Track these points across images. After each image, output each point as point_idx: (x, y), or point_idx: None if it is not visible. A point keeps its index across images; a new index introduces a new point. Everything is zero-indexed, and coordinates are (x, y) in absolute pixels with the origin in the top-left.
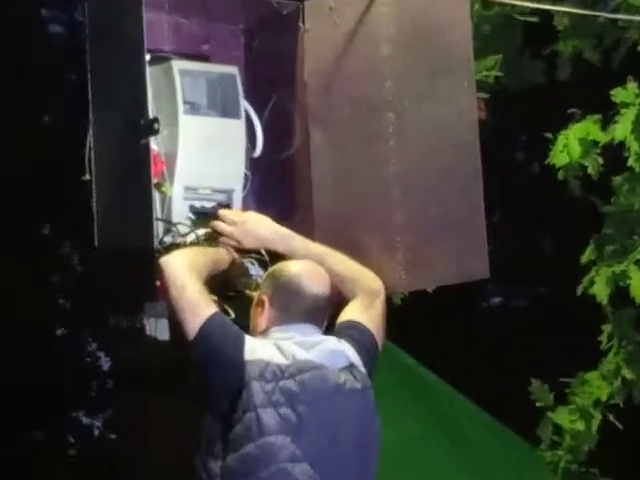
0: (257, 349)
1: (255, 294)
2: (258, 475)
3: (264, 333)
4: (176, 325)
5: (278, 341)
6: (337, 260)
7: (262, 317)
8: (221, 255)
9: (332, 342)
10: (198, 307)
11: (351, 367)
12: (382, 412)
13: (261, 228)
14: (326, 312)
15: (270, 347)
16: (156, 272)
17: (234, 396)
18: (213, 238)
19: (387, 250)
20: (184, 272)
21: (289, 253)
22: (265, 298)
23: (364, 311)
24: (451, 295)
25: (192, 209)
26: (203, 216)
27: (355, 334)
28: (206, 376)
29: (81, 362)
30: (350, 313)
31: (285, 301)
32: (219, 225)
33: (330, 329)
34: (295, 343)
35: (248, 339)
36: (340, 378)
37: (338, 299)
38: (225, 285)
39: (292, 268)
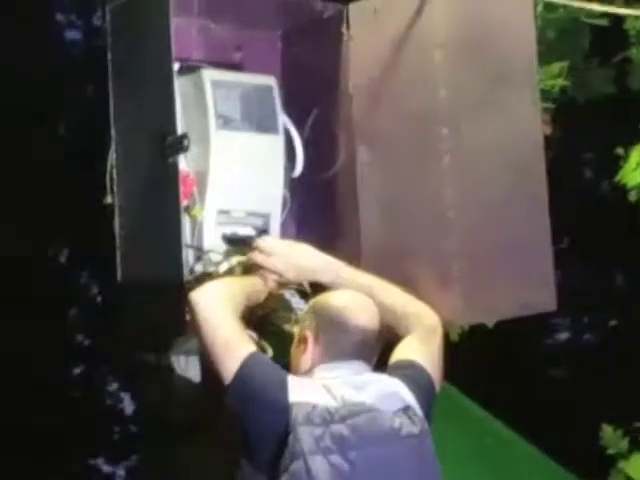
0: (302, 390)
1: (296, 329)
2: None
3: (308, 372)
4: (210, 367)
5: (325, 381)
6: (388, 292)
7: (306, 355)
8: (258, 285)
9: (385, 382)
10: (234, 347)
11: (407, 410)
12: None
13: (305, 259)
14: (376, 348)
15: (317, 387)
16: (186, 306)
17: (279, 443)
18: (250, 268)
19: (442, 280)
20: (218, 309)
21: (336, 285)
22: (309, 334)
23: (420, 349)
24: (513, 330)
25: (225, 236)
26: (238, 243)
27: (410, 374)
28: (246, 422)
29: (102, 404)
30: (404, 351)
31: (331, 337)
32: (257, 256)
33: (382, 368)
34: (344, 383)
35: (291, 379)
36: (395, 422)
37: (389, 334)
38: (262, 320)
39: (338, 300)
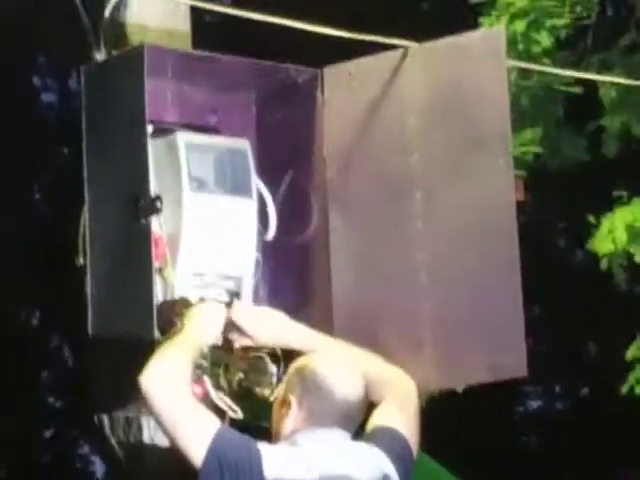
0: (279, 464)
1: (269, 393)
2: None
3: (289, 437)
4: (178, 453)
5: (303, 449)
6: (363, 359)
7: (287, 420)
8: (197, 343)
9: (365, 451)
10: (200, 431)
11: (386, 479)
12: None
13: (276, 323)
14: (359, 418)
15: (295, 459)
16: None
17: None
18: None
19: (414, 345)
20: (174, 394)
21: (307, 350)
22: (292, 399)
23: (396, 415)
24: (483, 397)
25: (202, 299)
26: None
27: (388, 441)
28: None
29: (71, 467)
30: (381, 417)
31: (315, 404)
32: (239, 318)
33: (359, 433)
34: (323, 452)
35: (266, 451)
36: None
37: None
38: (233, 383)
39: (326, 367)
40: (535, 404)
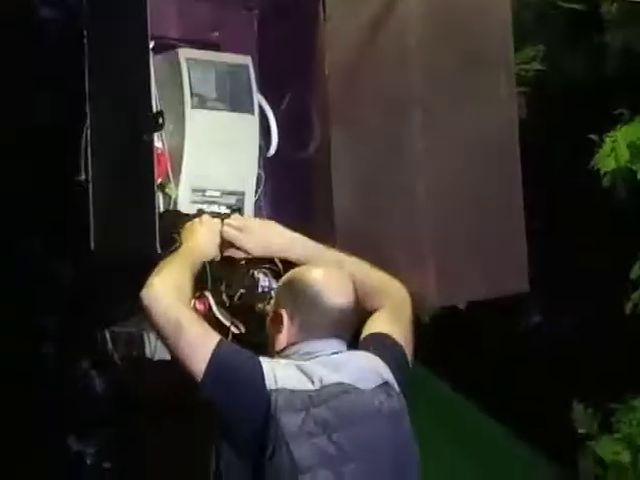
0: (279, 375)
1: (268, 308)
2: None
3: (284, 351)
4: (180, 367)
5: (301, 362)
6: (359, 268)
7: (281, 334)
8: (196, 258)
9: (362, 359)
10: (200, 343)
11: (385, 385)
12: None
13: (271, 234)
14: (352, 324)
15: (293, 371)
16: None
17: (260, 433)
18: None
19: (416, 262)
20: (175, 308)
21: (303, 261)
22: (283, 312)
23: (392, 323)
24: (485, 313)
25: (199, 212)
26: None
27: (385, 348)
28: (224, 413)
29: (71, 383)
30: (377, 325)
31: (306, 315)
32: (228, 233)
33: (354, 343)
34: (321, 363)
35: (266, 364)
36: (375, 399)
37: (359, 311)
38: (234, 298)
39: (314, 277)
40: (536, 320)
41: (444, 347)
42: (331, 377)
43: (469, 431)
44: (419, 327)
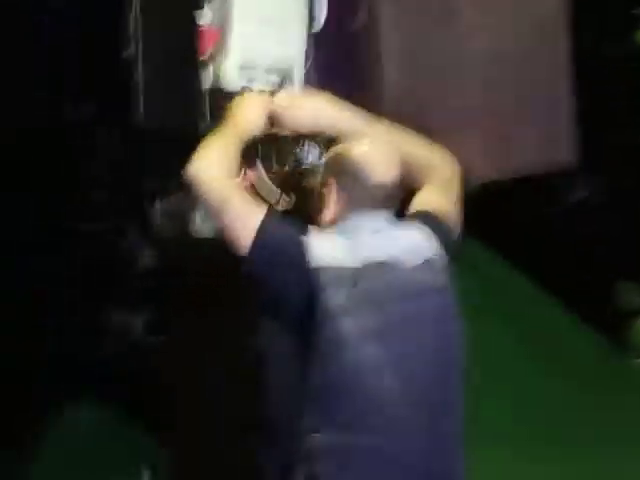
0: (325, 250)
1: (315, 182)
2: (347, 395)
3: (330, 225)
4: (227, 241)
5: (347, 235)
6: (409, 142)
7: (327, 209)
8: (241, 133)
9: (408, 234)
10: (246, 217)
11: (431, 261)
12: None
13: (318, 109)
14: (397, 197)
15: (340, 246)
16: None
17: (306, 308)
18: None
19: (464, 133)
20: (221, 182)
21: (352, 135)
22: (329, 187)
23: (440, 198)
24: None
25: (245, 88)
26: None
27: (432, 223)
28: (271, 286)
29: (117, 258)
30: (424, 200)
31: (352, 189)
32: (274, 109)
33: (401, 217)
34: (367, 239)
35: (312, 239)
36: (420, 275)
37: (408, 183)
38: (284, 174)
39: (357, 151)
40: (581, 197)
41: (490, 221)
42: (377, 253)
43: (515, 303)
44: (469, 198)
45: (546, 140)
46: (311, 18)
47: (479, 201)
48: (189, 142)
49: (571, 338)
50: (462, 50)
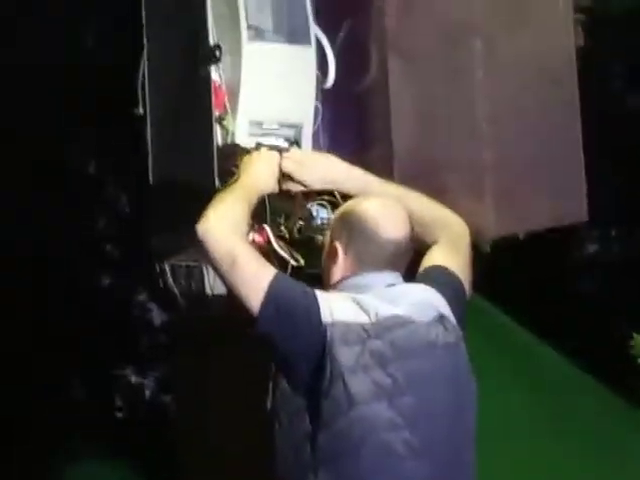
0: (334, 308)
1: (324, 240)
2: (357, 453)
3: (339, 284)
4: (236, 303)
5: (356, 295)
6: (417, 201)
7: (335, 267)
8: (253, 191)
9: (418, 291)
10: (256, 277)
11: (442, 319)
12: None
13: (328, 167)
14: (407, 257)
15: (349, 304)
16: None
17: (316, 365)
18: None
19: (474, 192)
20: (231, 241)
21: (361, 194)
22: (338, 245)
23: (449, 256)
24: (543, 242)
25: (258, 144)
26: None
27: (442, 280)
28: (281, 347)
29: (129, 314)
30: (434, 258)
31: (362, 247)
32: (287, 166)
33: (411, 278)
34: (376, 296)
35: (322, 297)
36: (431, 332)
37: (418, 244)
38: (293, 230)
39: (367, 208)
40: (592, 248)
41: (502, 277)
42: (387, 310)
43: (527, 362)
44: (479, 257)
45: (557, 196)
46: (320, 75)
47: (490, 258)
48: (200, 199)
49: (585, 395)
50: (472, 106)
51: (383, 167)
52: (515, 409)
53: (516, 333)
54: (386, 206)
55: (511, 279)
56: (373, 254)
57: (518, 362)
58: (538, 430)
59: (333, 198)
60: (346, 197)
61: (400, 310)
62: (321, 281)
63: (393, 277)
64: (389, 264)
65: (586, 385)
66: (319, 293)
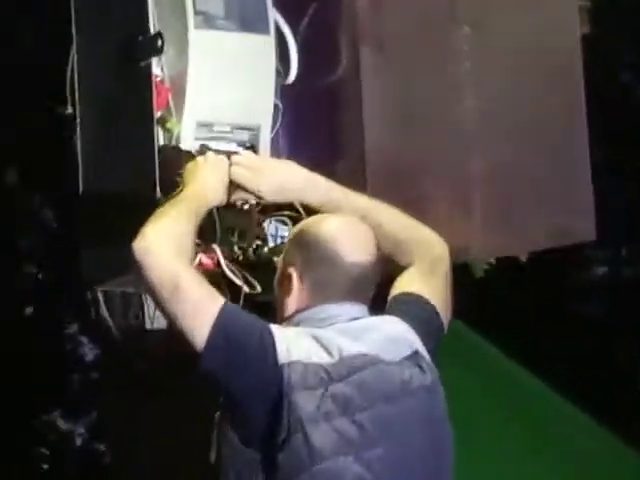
0: (291, 346)
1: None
2: None
3: (293, 318)
4: (177, 334)
5: (315, 330)
6: (390, 216)
7: (290, 298)
8: (199, 204)
9: (388, 325)
10: (201, 307)
11: (416, 356)
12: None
13: (287, 175)
14: (373, 284)
15: (307, 341)
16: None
17: (271, 415)
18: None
19: (460, 206)
20: (173, 263)
21: (326, 208)
22: (292, 272)
23: (424, 281)
24: (544, 264)
25: (204, 147)
26: None
27: (414, 310)
28: (231, 391)
29: (57, 350)
30: (406, 283)
31: (320, 275)
32: (236, 173)
33: (380, 304)
34: (338, 332)
35: (278, 333)
36: (404, 373)
37: (388, 265)
38: (248, 252)
39: (327, 228)
40: (600, 270)
41: (498, 304)
42: (351, 347)
43: (506, 388)
44: (469, 283)
45: (561, 211)
46: (281, 69)
47: (481, 281)
48: (138, 213)
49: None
50: (458, 107)
51: (353, 176)
52: (509, 445)
53: (499, 360)
54: (348, 225)
55: (505, 304)
56: (334, 281)
57: (495, 389)
58: (535, 469)
59: (296, 213)
60: (312, 212)
61: (366, 347)
62: (277, 312)
63: (357, 309)
64: (353, 293)
65: (573, 416)
66: (275, 328)
